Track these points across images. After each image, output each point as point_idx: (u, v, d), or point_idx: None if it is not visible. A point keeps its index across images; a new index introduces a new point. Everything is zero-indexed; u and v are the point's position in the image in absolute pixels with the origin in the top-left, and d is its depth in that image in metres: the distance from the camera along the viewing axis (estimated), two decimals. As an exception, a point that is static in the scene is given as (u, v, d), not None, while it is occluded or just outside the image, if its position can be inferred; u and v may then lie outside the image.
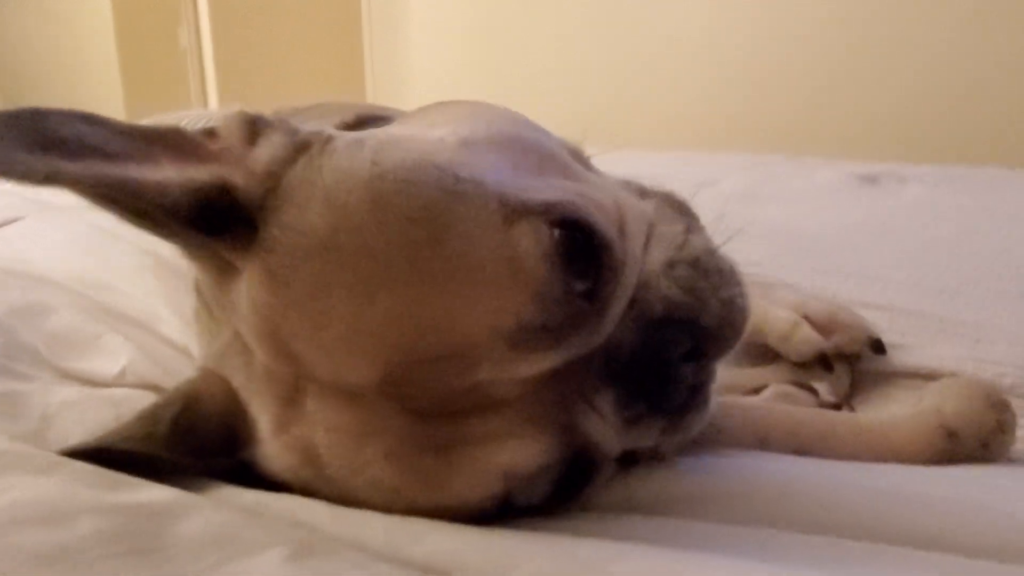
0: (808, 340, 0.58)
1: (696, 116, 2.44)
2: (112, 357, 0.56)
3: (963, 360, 0.56)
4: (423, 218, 0.33)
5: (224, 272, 0.37)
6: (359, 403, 0.33)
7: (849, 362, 0.59)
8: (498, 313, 0.32)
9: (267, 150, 0.37)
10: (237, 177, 0.36)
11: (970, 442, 0.47)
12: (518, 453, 0.34)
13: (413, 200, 0.33)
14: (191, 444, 0.39)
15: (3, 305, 0.62)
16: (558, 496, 0.37)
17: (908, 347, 0.59)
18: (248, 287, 0.35)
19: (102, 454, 0.38)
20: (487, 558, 0.32)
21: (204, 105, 3.44)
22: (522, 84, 2.88)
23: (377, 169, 0.35)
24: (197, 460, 0.39)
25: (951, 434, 0.47)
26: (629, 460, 0.41)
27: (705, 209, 1.25)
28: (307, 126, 0.40)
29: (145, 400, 0.50)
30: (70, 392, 0.50)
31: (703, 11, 2.41)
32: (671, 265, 0.38)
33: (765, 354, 0.62)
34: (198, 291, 0.45)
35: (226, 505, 0.35)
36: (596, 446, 0.37)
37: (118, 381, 0.54)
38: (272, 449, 0.37)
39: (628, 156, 1.89)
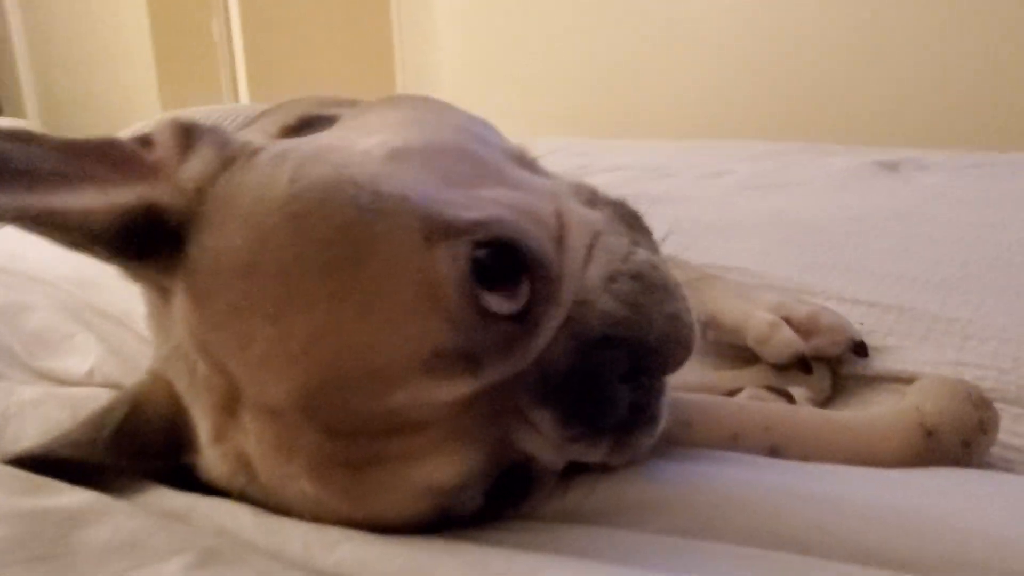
0: (787, 342, 0.56)
1: (715, 104, 2.39)
2: (82, 356, 0.57)
3: (943, 365, 0.53)
4: (340, 240, 0.32)
5: (160, 287, 0.37)
6: (282, 419, 0.33)
7: (830, 365, 0.57)
8: (414, 339, 0.31)
9: (197, 164, 0.37)
10: (164, 196, 0.35)
11: (950, 441, 0.45)
12: (438, 470, 0.33)
13: (329, 221, 0.32)
14: (134, 448, 0.39)
15: (-14, 304, 0.63)
16: (495, 506, 0.36)
17: (892, 349, 0.56)
18: (177, 304, 0.35)
19: (45, 460, 0.38)
20: (397, 568, 0.32)
21: (235, 97, 3.49)
22: (544, 72, 2.86)
23: (294, 187, 0.34)
24: (140, 463, 0.40)
25: (930, 433, 0.45)
26: (577, 468, 0.40)
27: (708, 199, 1.22)
28: (244, 134, 0.40)
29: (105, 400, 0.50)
30: (33, 391, 0.51)
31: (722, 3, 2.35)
32: (612, 279, 0.36)
33: (744, 356, 0.60)
34: (146, 302, 0.45)
35: (143, 511, 0.35)
36: (534, 460, 0.36)
37: (86, 380, 0.55)
38: (210, 456, 0.37)
39: (639, 145, 1.87)
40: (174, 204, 0.35)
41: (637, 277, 0.37)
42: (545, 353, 0.34)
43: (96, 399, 0.51)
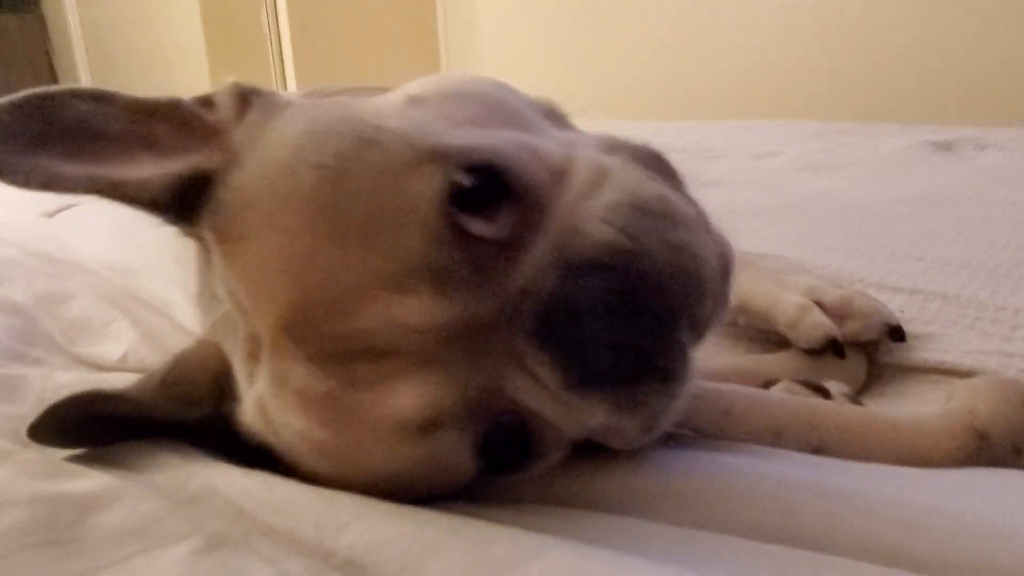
0: (817, 326, 0.54)
1: (764, 83, 2.32)
2: (117, 343, 0.59)
3: (987, 355, 0.50)
4: (331, 164, 0.33)
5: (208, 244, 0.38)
6: (279, 352, 0.33)
7: (866, 351, 0.55)
8: (385, 257, 0.31)
9: (246, 127, 0.38)
10: (215, 159, 0.37)
11: (1002, 445, 0.42)
12: (403, 397, 0.32)
13: (327, 148, 0.33)
14: (179, 395, 0.41)
15: (30, 292, 0.66)
16: (494, 468, 0.35)
17: (933, 337, 0.54)
18: (216, 257, 0.36)
19: (93, 404, 0.40)
20: (404, 550, 0.31)
21: (284, 88, 3.55)
22: (589, 54, 2.82)
23: (308, 125, 0.35)
24: (181, 407, 0.41)
25: (982, 435, 0.42)
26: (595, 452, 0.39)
27: (755, 181, 1.20)
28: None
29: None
30: (68, 377, 0.52)
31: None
32: (611, 208, 0.33)
33: (778, 343, 0.58)
34: (199, 274, 0.46)
35: (157, 494, 0.35)
36: (533, 415, 0.34)
37: (119, 366, 0.57)
38: (243, 407, 0.38)
39: (687, 126, 1.83)
40: (222, 167, 0.37)
41: (640, 206, 0.33)
42: (532, 287, 0.32)
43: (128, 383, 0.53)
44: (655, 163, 0.38)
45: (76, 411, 0.40)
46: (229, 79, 0.41)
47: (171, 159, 0.37)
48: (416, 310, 0.31)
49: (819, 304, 0.55)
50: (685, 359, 0.33)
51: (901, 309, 0.57)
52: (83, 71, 3.61)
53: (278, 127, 0.37)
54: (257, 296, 0.34)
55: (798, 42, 2.24)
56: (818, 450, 0.43)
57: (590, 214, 0.33)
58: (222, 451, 0.40)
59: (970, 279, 0.63)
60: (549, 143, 0.37)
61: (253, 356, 0.36)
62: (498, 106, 0.40)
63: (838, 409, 0.46)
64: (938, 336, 0.54)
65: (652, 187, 0.35)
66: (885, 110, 1.89)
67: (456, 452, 0.34)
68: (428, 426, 0.32)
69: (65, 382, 0.52)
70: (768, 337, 0.60)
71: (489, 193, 0.33)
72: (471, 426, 0.33)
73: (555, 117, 0.43)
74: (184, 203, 0.36)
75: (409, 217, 0.32)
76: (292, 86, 3.52)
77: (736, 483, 0.36)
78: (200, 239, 0.39)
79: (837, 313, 0.55)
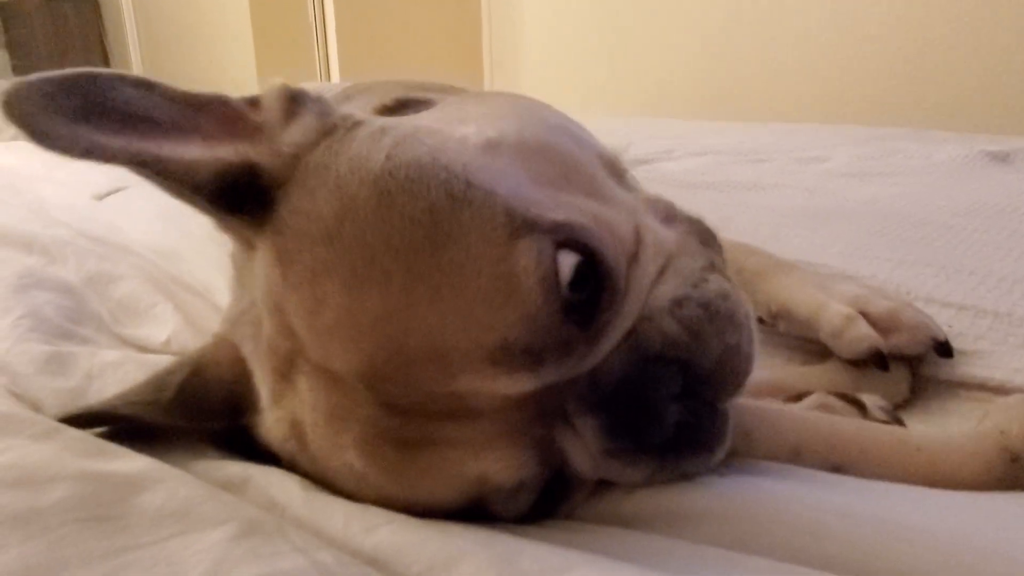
0: (861, 337, 0.52)
1: (814, 86, 2.27)
2: (161, 326, 0.60)
3: (1016, 373, 0.48)
4: (425, 221, 0.32)
5: (248, 242, 0.38)
6: (340, 388, 0.34)
7: (910, 365, 0.53)
8: (485, 329, 0.32)
9: (298, 131, 0.38)
10: (264, 157, 0.37)
11: None
12: (490, 464, 0.34)
13: (418, 201, 0.33)
14: (195, 409, 0.41)
15: (81, 272, 0.67)
16: (533, 512, 0.37)
17: (981, 354, 0.52)
18: (260, 261, 0.36)
19: (105, 418, 0.41)
20: (431, 554, 0.32)
21: (327, 76, 3.59)
22: (635, 52, 2.80)
23: (389, 164, 0.34)
24: (200, 424, 0.41)
25: (1015, 458, 0.41)
26: None
27: (800, 185, 1.17)
28: (344, 108, 0.41)
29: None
30: (114, 355, 0.54)
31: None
32: (680, 302, 0.37)
33: (818, 351, 0.57)
34: (232, 260, 0.47)
35: (196, 479, 0.36)
36: (573, 469, 0.36)
37: (163, 349, 0.58)
38: (268, 419, 0.38)
39: (732, 128, 1.81)
40: (271, 165, 0.37)
41: (704, 305, 0.37)
42: (600, 362, 0.35)
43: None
44: (705, 236, 0.43)
45: (90, 421, 0.40)
46: (276, 80, 0.41)
47: (218, 146, 0.37)
48: (508, 383, 0.32)
49: (865, 314, 0.54)
50: (726, 429, 0.38)
51: (949, 324, 0.56)
52: (134, 57, 3.71)
53: (354, 155, 0.36)
54: (330, 335, 0.33)
55: (851, 44, 2.19)
56: (837, 469, 0.42)
57: (660, 304, 0.36)
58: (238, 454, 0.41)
59: (1022, 297, 0.61)
60: (619, 214, 0.38)
61: (286, 374, 0.36)
62: (575, 166, 0.40)
63: (860, 428, 0.45)
64: (987, 353, 0.52)
65: (714, 283, 0.38)
66: (940, 118, 1.84)
67: (522, 504, 0.36)
68: (511, 490, 0.35)
69: (111, 360, 0.53)
70: (807, 346, 0.59)
71: (580, 273, 0.34)
72: (539, 483, 0.35)
73: (616, 172, 0.44)
74: (228, 193, 0.36)
75: (512, 294, 0.32)
76: (335, 77, 3.55)
77: (765, 504, 0.36)
78: (236, 233, 0.39)
79: (883, 325, 0.53)
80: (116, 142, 0.34)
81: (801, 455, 0.43)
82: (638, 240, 0.38)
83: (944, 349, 0.52)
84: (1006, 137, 1.36)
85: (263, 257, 0.36)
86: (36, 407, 0.46)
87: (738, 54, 2.49)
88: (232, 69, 3.59)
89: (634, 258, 0.37)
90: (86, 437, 0.38)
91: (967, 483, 0.41)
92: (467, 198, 0.33)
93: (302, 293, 0.34)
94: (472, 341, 0.32)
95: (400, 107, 0.52)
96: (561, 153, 0.40)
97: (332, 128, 0.38)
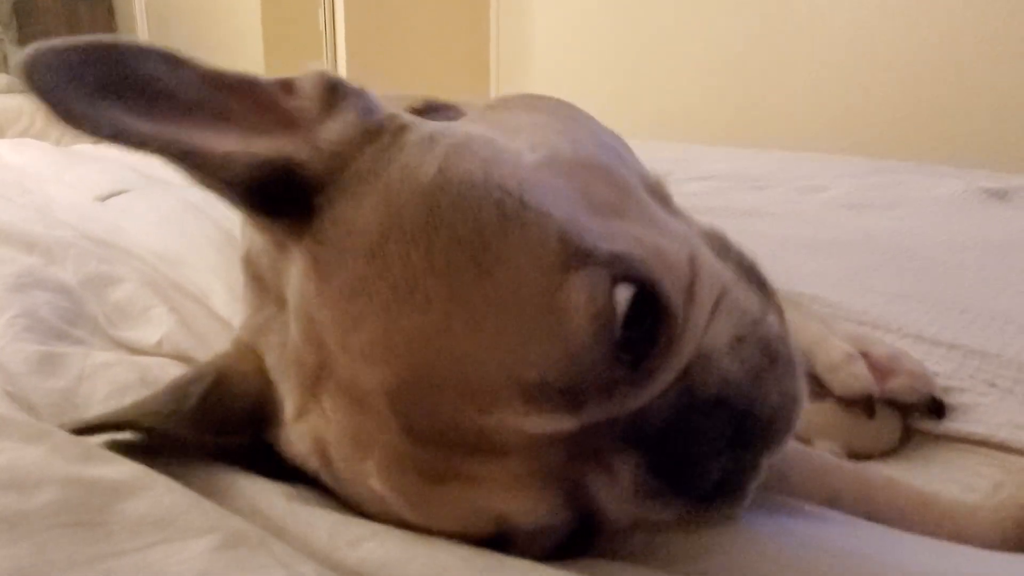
0: (859, 376, 0.53)
1: (822, 115, 2.29)
2: (154, 328, 0.60)
3: (1016, 429, 0.48)
4: (474, 242, 0.30)
5: (281, 244, 0.36)
6: (366, 411, 0.32)
7: (903, 413, 0.53)
8: (524, 364, 0.29)
9: (339, 126, 0.35)
10: (303, 153, 0.34)
11: None
12: (513, 505, 0.32)
13: (469, 221, 0.31)
14: (217, 420, 0.39)
15: (80, 274, 0.68)
16: (557, 553, 0.35)
17: (967, 408, 0.52)
18: (296, 269, 0.34)
19: (121, 428, 0.39)
20: (416, 570, 0.32)
21: (333, 69, 3.61)
22: (642, 78, 2.81)
23: (441, 178, 0.32)
24: (221, 437, 0.39)
25: None
26: None
27: (799, 214, 1.17)
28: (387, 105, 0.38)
29: (172, 368, 0.53)
30: (106, 356, 0.54)
31: (845, 7, 2.25)
32: (739, 340, 0.34)
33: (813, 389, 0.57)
34: (246, 264, 0.45)
35: (183, 487, 0.36)
36: (602, 512, 0.33)
37: (155, 350, 0.58)
38: (291, 434, 0.36)
39: (736, 153, 1.82)
40: (311, 164, 0.34)
41: (765, 346, 0.35)
42: (653, 403, 0.32)
43: (162, 367, 0.54)
44: (755, 275, 0.40)
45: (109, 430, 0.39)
46: (314, 66, 0.37)
47: (253, 139, 0.34)
48: (541, 422, 0.30)
49: (866, 354, 0.55)
50: (760, 478, 0.35)
51: (939, 367, 0.56)
52: (142, 34, 3.75)
53: (402, 165, 0.34)
54: (362, 355, 0.31)
55: (862, 75, 2.21)
56: (869, 517, 0.42)
57: (717, 342, 0.34)
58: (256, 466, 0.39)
59: (1015, 336, 0.62)
60: (673, 243, 0.36)
61: (312, 389, 0.34)
62: (627, 188, 0.38)
63: (893, 485, 0.45)
64: (971, 407, 0.52)
65: (772, 324, 0.36)
66: (948, 151, 1.85)
67: (546, 546, 0.34)
68: (534, 531, 0.33)
69: (103, 361, 0.54)
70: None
71: (635, 311, 0.31)
72: (565, 526, 0.33)
73: (662, 196, 0.42)
74: (263, 189, 0.34)
75: (559, 330, 0.30)
76: (342, 71, 3.56)
77: (765, 544, 0.35)
78: (270, 233, 0.36)
79: (883, 367, 0.54)
80: (146, 126, 0.31)
81: (836, 503, 0.43)
82: (693, 272, 0.35)
83: (937, 408, 0.52)
84: (1008, 175, 1.36)
85: (299, 265, 0.34)
86: (29, 407, 0.47)
87: (749, 79, 2.50)
88: (240, 63, 3.61)
89: (689, 292, 0.34)
90: (76, 441, 0.38)
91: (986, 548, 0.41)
92: (520, 220, 0.31)
93: (337, 309, 0.32)
94: (508, 376, 0.29)
95: (429, 110, 0.49)
96: (614, 174, 0.38)
97: (378, 129, 0.35)
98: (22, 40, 4.14)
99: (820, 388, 0.57)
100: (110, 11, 4.17)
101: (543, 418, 0.30)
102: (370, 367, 0.31)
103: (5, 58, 3.95)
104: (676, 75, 2.71)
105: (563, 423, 0.30)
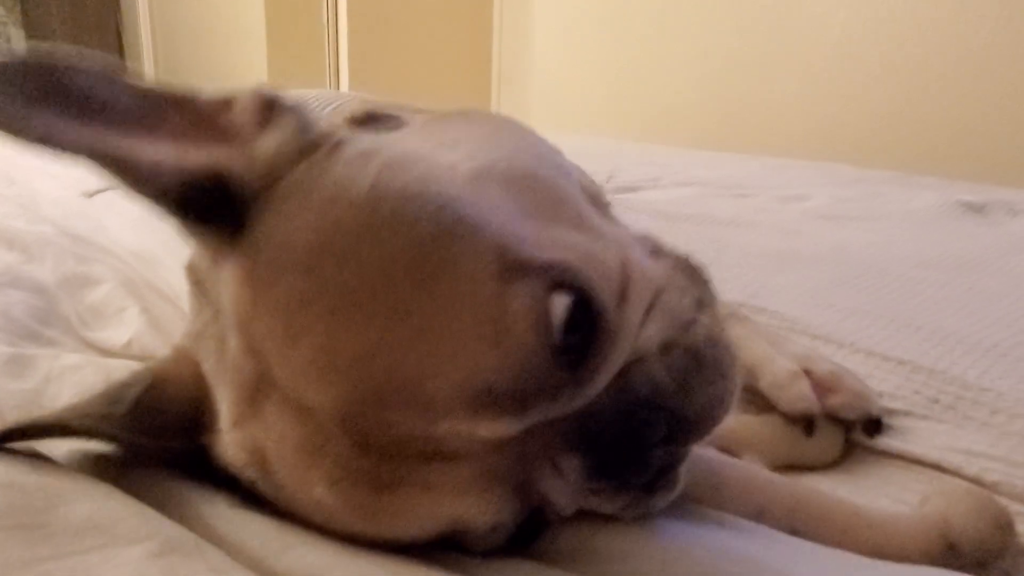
0: (802, 397, 0.54)
1: (808, 122, 2.30)
2: (125, 329, 0.62)
3: (953, 452, 0.50)
4: (411, 256, 0.31)
5: (215, 254, 0.36)
6: (312, 422, 0.32)
7: (845, 430, 0.55)
8: (470, 372, 0.30)
9: (273, 140, 0.36)
10: (236, 165, 0.35)
11: (969, 558, 0.43)
12: (466, 508, 0.33)
13: (404, 235, 0.32)
14: (151, 425, 0.39)
15: (56, 273, 0.69)
16: (507, 546, 0.36)
17: (903, 430, 0.53)
18: (230, 278, 0.34)
19: (55, 431, 0.40)
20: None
21: (336, 77, 3.62)
22: (639, 80, 2.82)
23: (375, 193, 0.33)
24: (154, 441, 0.39)
25: (951, 546, 0.43)
26: None
27: (776, 225, 1.19)
28: (322, 118, 0.38)
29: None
30: (75, 358, 0.55)
31: (836, 17, 2.25)
32: (668, 347, 0.36)
33: (756, 401, 0.59)
34: (188, 271, 0.45)
35: (123, 493, 0.37)
36: (552, 506, 0.36)
37: (123, 351, 0.60)
38: (227, 442, 0.37)
39: (720, 159, 1.82)
40: (243, 176, 0.35)
41: (693, 353, 0.36)
42: (591, 405, 0.34)
43: (130, 369, 0.55)
44: (693, 272, 0.41)
45: (43, 431, 0.39)
46: (253, 84, 0.38)
47: (187, 150, 0.34)
48: (491, 427, 0.31)
49: (809, 372, 0.56)
50: (684, 467, 0.39)
51: (882, 387, 0.57)
52: (147, 48, 3.74)
53: (335, 181, 0.34)
54: (305, 369, 0.32)
55: (850, 84, 2.21)
56: (795, 532, 0.44)
57: (648, 346, 0.36)
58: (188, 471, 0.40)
59: (963, 355, 0.63)
60: (606, 249, 0.37)
61: (251, 399, 0.34)
62: (563, 198, 0.39)
63: (819, 496, 0.46)
64: (909, 427, 0.54)
65: (702, 327, 0.38)
66: (932, 161, 1.86)
67: (495, 543, 0.35)
68: (487, 531, 0.34)
69: (71, 363, 0.55)
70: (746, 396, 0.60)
71: (573, 317, 0.32)
72: (515, 522, 0.35)
73: (599, 203, 0.43)
74: (195, 199, 0.34)
75: (501, 338, 0.31)
76: (344, 77, 3.58)
77: (685, 551, 0.37)
78: (202, 242, 0.36)
79: (825, 384, 0.55)
80: (77, 131, 0.32)
81: (764, 515, 0.44)
82: (626, 276, 0.37)
83: (874, 427, 0.54)
84: (990, 186, 1.38)
85: (231, 274, 0.34)
86: (-4, 408, 0.48)
87: (741, 86, 2.51)
88: (244, 68, 3.62)
89: (623, 296, 0.36)
90: (22, 445, 0.39)
91: (906, 560, 0.43)
92: (456, 232, 0.32)
93: (274, 322, 0.32)
94: (455, 385, 0.30)
95: (370, 120, 0.49)
96: (549, 185, 0.39)
97: (313, 145, 0.36)
98: (25, 23, 4.15)
99: (766, 401, 0.58)
100: (115, 0, 4.17)
101: (490, 423, 0.31)
102: (312, 382, 0.32)
103: (9, 40, 3.95)
104: (671, 79, 2.72)
105: (510, 427, 0.32)
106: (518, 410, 0.31)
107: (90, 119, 0.32)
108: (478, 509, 0.33)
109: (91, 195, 1.06)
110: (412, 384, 0.30)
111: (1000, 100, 1.90)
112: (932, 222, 1.13)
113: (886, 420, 0.54)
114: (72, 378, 0.53)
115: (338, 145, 0.36)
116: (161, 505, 0.38)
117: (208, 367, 0.38)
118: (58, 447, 0.42)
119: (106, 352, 0.60)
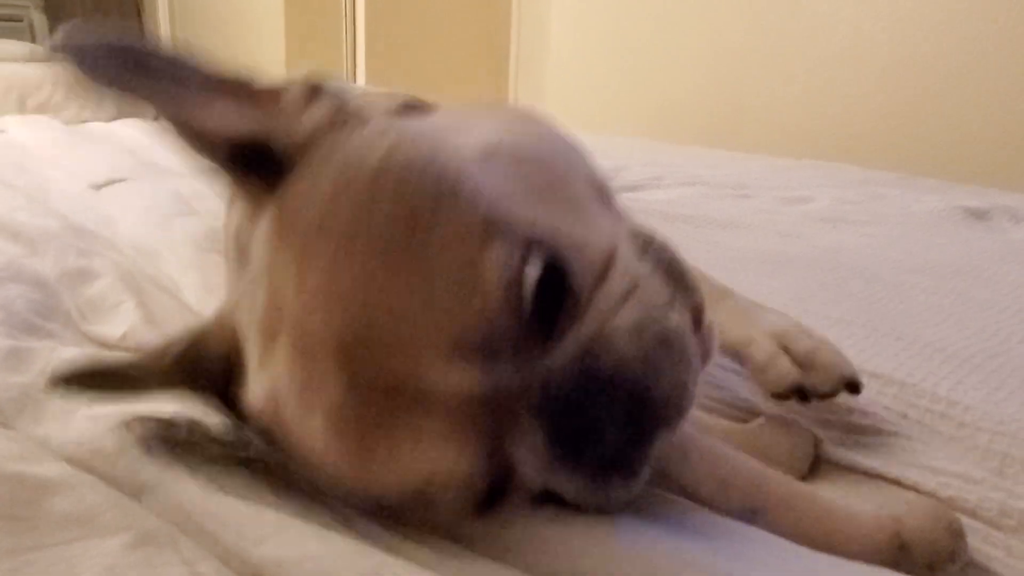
0: (783, 374, 0.56)
1: (816, 123, 2.29)
2: (121, 323, 0.64)
3: (912, 468, 0.51)
4: (408, 217, 0.36)
5: (254, 206, 0.42)
6: (314, 362, 0.36)
7: (816, 442, 0.56)
8: (447, 318, 0.34)
9: (315, 115, 0.42)
10: (279, 132, 0.41)
11: (919, 559, 0.44)
12: (445, 457, 0.36)
13: (407, 196, 0.36)
14: (191, 378, 0.44)
15: (58, 267, 0.71)
16: (475, 512, 0.38)
17: (875, 446, 0.55)
18: (262, 227, 0.40)
19: (115, 380, 0.44)
20: (307, 571, 0.35)
21: (353, 68, 3.64)
22: (655, 75, 2.82)
23: (385, 162, 0.38)
24: (195, 393, 0.45)
25: (903, 547, 0.44)
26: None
27: (776, 227, 1.19)
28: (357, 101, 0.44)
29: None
30: (71, 352, 0.57)
31: (844, 17, 2.24)
32: (640, 329, 0.38)
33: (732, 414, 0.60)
34: (235, 241, 0.50)
35: (106, 486, 0.39)
36: (518, 475, 0.38)
37: (119, 344, 0.62)
38: (250, 388, 0.40)
39: (726, 158, 1.82)
40: (283, 141, 0.41)
41: (663, 339, 0.38)
42: (554, 373, 0.36)
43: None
44: (676, 273, 0.44)
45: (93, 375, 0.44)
46: (303, 70, 0.44)
47: (240, 117, 0.41)
48: (463, 376, 0.35)
49: (787, 350, 0.57)
50: (650, 463, 0.39)
51: (851, 409, 0.58)
52: (166, 33, 3.78)
53: (354, 149, 0.39)
54: (309, 305, 0.36)
55: (856, 84, 2.20)
56: (754, 511, 0.45)
57: (620, 327, 0.38)
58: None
59: (940, 365, 0.64)
60: (594, 235, 0.41)
61: (269, 343, 0.38)
62: (561, 184, 0.43)
63: (783, 479, 0.48)
64: (876, 445, 0.55)
65: (675, 320, 0.40)
66: (938, 163, 1.85)
67: (463, 502, 0.38)
68: (458, 484, 0.37)
69: (68, 357, 0.57)
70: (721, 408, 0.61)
71: (543, 281, 0.36)
72: (487, 480, 0.37)
73: (604, 195, 0.46)
74: (242, 158, 0.40)
75: (476, 291, 0.34)
76: (361, 68, 3.60)
77: (616, 542, 0.38)
78: (247, 192, 0.42)
79: (801, 363, 0.57)
80: (153, 87, 0.39)
81: (727, 488, 0.46)
82: (608, 263, 0.40)
83: (853, 387, 0.55)
84: (995, 191, 1.37)
85: (265, 224, 0.39)
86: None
87: (752, 84, 2.50)
88: (262, 58, 3.64)
89: (601, 278, 0.39)
90: (13, 438, 0.42)
91: (857, 555, 0.44)
92: (451, 197, 0.36)
93: (292, 263, 0.37)
94: (432, 330, 0.34)
95: (406, 111, 0.55)
96: (550, 170, 0.43)
97: (345, 120, 0.42)
98: (47, 8, 4.20)
99: (743, 415, 0.60)
100: (133, -16, 4.20)
101: (462, 372, 0.35)
102: (317, 312, 0.35)
103: (31, 27, 4.00)
104: (683, 77, 2.71)
105: (481, 378, 0.35)
106: (486, 361, 0.35)
107: (163, 87, 0.39)
108: (455, 460, 0.36)
109: (99, 187, 1.09)
110: (397, 323, 0.34)
111: (1007, 102, 1.88)
112: (932, 227, 1.13)
113: (855, 437, 0.55)
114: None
115: (364, 123, 0.42)
116: (145, 493, 0.40)
117: (244, 320, 0.42)
118: (58, 438, 0.44)
119: (104, 345, 0.62)
